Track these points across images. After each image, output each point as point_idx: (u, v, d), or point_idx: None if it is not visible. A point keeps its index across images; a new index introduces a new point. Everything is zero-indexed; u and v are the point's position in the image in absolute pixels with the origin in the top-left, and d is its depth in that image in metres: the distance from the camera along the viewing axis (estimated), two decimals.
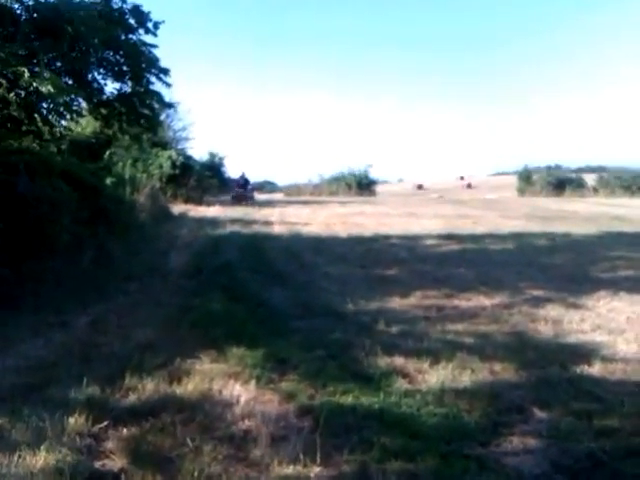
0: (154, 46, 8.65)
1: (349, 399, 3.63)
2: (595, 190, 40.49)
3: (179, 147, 23.26)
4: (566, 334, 5.14)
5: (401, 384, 3.91)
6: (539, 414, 3.40)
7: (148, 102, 8.78)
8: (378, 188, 43.54)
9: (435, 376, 4.04)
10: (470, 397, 3.65)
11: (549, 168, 52.06)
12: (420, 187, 70.65)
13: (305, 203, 25.25)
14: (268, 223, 15.23)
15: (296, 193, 38.79)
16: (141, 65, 8.44)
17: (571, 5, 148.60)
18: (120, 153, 19.15)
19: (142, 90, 8.64)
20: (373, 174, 40.21)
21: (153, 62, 8.56)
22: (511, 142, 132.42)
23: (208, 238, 11.84)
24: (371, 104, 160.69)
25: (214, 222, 14.88)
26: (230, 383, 3.85)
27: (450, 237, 12.31)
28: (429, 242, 11.71)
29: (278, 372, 4.16)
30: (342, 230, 13.75)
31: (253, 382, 3.85)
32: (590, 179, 43.06)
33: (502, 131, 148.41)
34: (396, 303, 6.39)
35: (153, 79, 8.65)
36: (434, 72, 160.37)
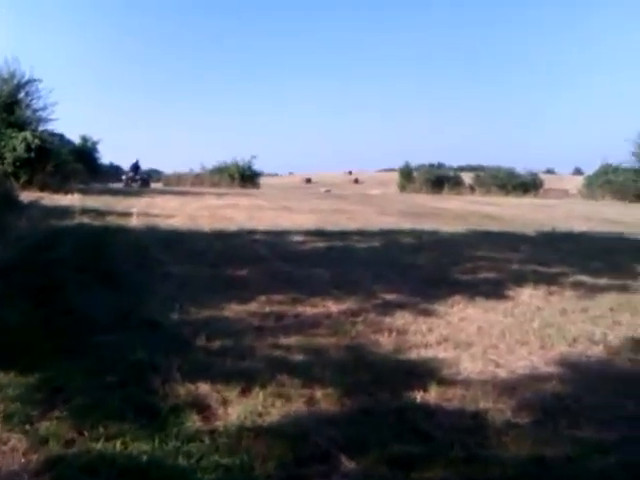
0: None
1: (116, 446, 2.81)
2: (472, 188, 42.02)
3: (42, 128, 21.12)
4: (408, 348, 4.59)
5: (193, 422, 3.14)
6: (347, 464, 2.74)
7: None
8: (265, 180, 42.81)
9: (240, 409, 3.31)
10: (271, 439, 2.94)
11: (431, 166, 53.56)
12: (309, 181, 70.85)
13: (180, 194, 23.98)
14: (127, 215, 13.99)
15: (176, 183, 37.28)
16: None
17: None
18: None
19: None
20: (261, 166, 39.44)
21: None
22: (402, 138, 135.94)
23: (47, 231, 10.52)
24: (266, 95, 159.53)
25: (65, 212, 13.45)
26: None
27: (318, 233, 11.73)
28: (295, 238, 11.06)
29: (44, 407, 3.26)
30: (207, 224, 12.83)
31: None
32: (468, 177, 44.66)
33: (394, 127, 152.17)
34: (232, 310, 5.62)
35: None
36: (330, 68, 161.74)
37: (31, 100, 20.84)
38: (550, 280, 7.53)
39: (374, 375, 3.93)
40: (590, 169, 47.52)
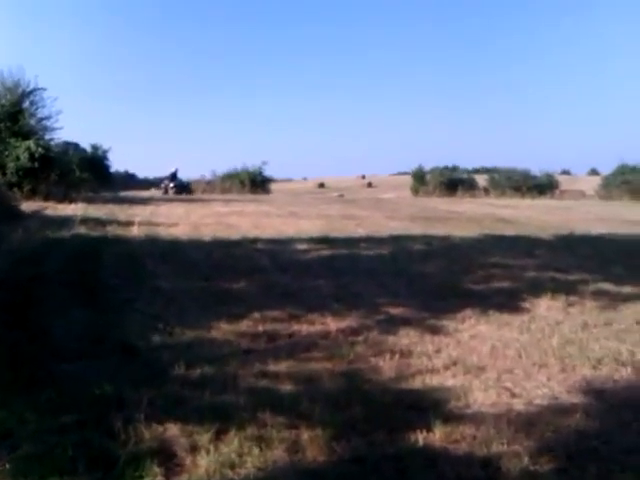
0: None
1: None
2: (486, 190, 41.22)
3: (48, 137, 20.81)
4: (411, 375, 4.08)
5: (154, 477, 2.67)
6: None
7: None
8: (278, 186, 42.41)
9: (210, 459, 2.83)
10: None
11: (445, 168, 52.84)
12: (322, 185, 70.50)
13: (188, 201, 23.60)
14: (129, 224, 13.55)
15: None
16: None
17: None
18: None
19: None
20: (274, 172, 39.05)
21: None
22: (416, 142, 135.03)
23: (41, 242, 10.11)
24: (279, 100, 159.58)
25: (64, 222, 13.03)
26: None
27: (324, 241, 11.22)
28: (299, 247, 10.57)
29: None
30: (209, 232, 12.36)
31: None
32: (482, 180, 43.87)
33: (408, 130, 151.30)
34: (220, 330, 5.14)
35: None
36: (342, 72, 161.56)
37: (36, 109, 20.54)
38: (569, 289, 6.98)
39: (370, 410, 3.43)
40: (606, 169, 46.62)
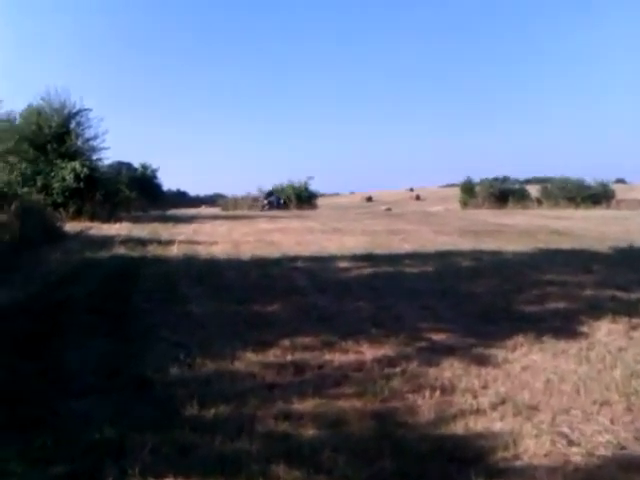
0: None
1: None
2: (539, 201, 39.91)
3: (94, 157, 21.07)
4: (453, 416, 3.58)
5: None
6: None
7: None
8: (325, 201, 42.22)
9: None
10: None
11: (495, 179, 51.61)
12: (369, 199, 70.06)
13: (233, 218, 23.50)
14: (170, 243, 13.42)
15: (233, 207, 36.96)
16: None
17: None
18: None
19: None
20: (322, 186, 39.16)
21: None
22: (465, 152, 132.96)
23: (77, 264, 9.99)
24: (327, 114, 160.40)
25: (106, 242, 12.98)
26: None
27: (367, 258, 10.78)
28: (341, 265, 10.14)
29: None
30: (249, 250, 12.07)
31: None
32: (534, 190, 42.54)
33: (457, 141, 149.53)
34: (245, 361, 4.74)
35: None
36: (388, 86, 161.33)
37: (82, 129, 20.83)
38: (631, 309, 6.33)
39: (403, 463, 2.96)
40: None
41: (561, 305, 6.78)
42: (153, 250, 12.07)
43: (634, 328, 5.58)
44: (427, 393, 3.95)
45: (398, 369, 4.51)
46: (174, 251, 12.16)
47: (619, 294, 7.16)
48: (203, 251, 11.98)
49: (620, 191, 43.58)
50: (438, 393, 3.95)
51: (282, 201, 37.14)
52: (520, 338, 5.29)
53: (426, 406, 3.75)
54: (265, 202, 36.60)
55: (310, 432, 3.39)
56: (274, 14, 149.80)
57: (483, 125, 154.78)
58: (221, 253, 11.69)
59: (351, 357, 4.88)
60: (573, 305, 6.72)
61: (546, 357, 4.78)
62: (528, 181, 57.03)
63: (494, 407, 3.69)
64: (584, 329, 5.64)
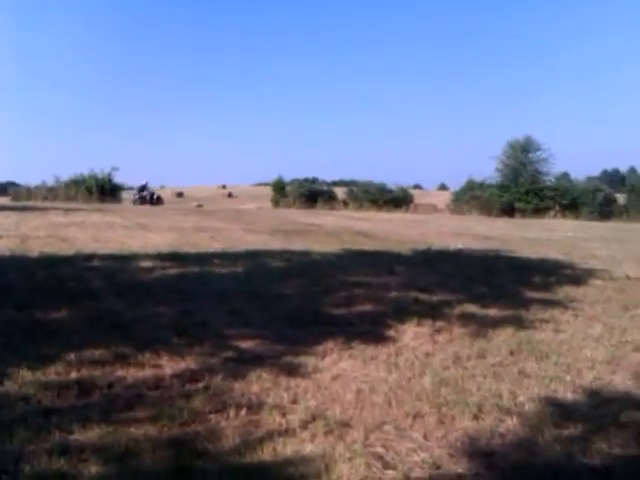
0: None
1: None
2: (345, 203, 41.77)
3: None
4: (260, 439, 3.19)
5: None
6: None
7: None
8: (129, 194, 39.95)
9: None
10: None
11: (306, 180, 52.99)
12: (180, 195, 68.20)
13: (24, 209, 21.20)
14: None
15: (26, 197, 33.55)
16: None
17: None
18: None
19: None
20: (128, 179, 37.20)
21: None
22: (278, 152, 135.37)
23: None
24: (138, 104, 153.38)
25: None
26: None
27: (173, 257, 10.12)
28: (144, 264, 9.36)
29: None
30: (39, 246, 10.77)
31: None
32: (341, 192, 44.43)
33: (270, 141, 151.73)
34: (19, 380, 3.93)
35: None
36: (206, 80, 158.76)
37: None
38: (434, 312, 6.50)
39: None
40: (454, 185, 49.20)
41: (368, 308, 6.78)
42: None
43: (438, 332, 5.67)
44: (232, 412, 3.53)
45: (201, 385, 4.04)
46: None
47: (422, 296, 7.36)
48: None
49: (417, 196, 47.12)
50: (244, 412, 3.55)
51: (156, 196, 36.74)
52: (330, 344, 5.10)
53: (230, 428, 3.33)
54: (137, 196, 35.95)
55: (92, 469, 2.80)
56: None
57: (295, 126, 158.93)
58: (3, 249, 10.27)
59: (147, 372, 4.30)
60: (379, 308, 6.74)
61: (356, 364, 4.62)
62: (335, 183, 59.58)
63: (304, 425, 3.38)
64: (391, 333, 5.63)
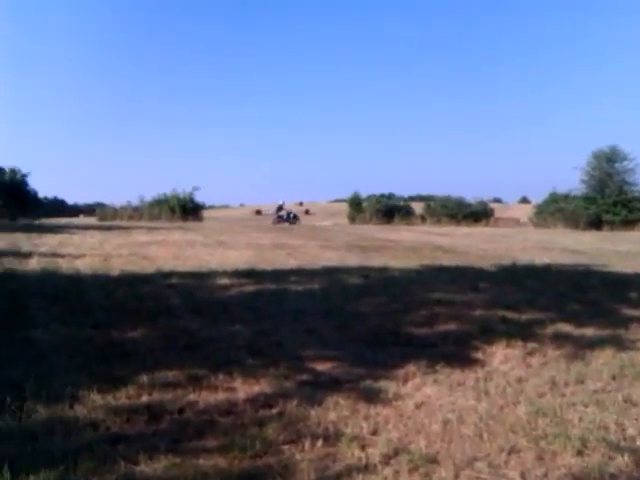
0: None
1: None
2: (423, 218, 41.13)
3: None
4: (337, 476, 2.92)
5: None
6: None
7: None
8: (213, 213, 41.04)
9: None
10: None
11: (382, 196, 52.67)
12: (259, 212, 69.45)
13: (108, 229, 21.93)
14: (29, 255, 11.98)
15: (112, 217, 34.86)
16: None
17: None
18: None
19: None
20: (209, 198, 38.14)
21: None
22: (353, 169, 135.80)
23: None
24: (210, 122, 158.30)
25: None
26: None
27: (250, 274, 10.03)
28: (221, 281, 9.31)
29: None
30: (120, 264, 10.95)
31: None
32: (419, 207, 43.81)
33: (346, 157, 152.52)
34: (88, 404, 3.83)
35: None
36: (281, 99, 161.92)
37: None
38: (524, 332, 6.05)
39: None
40: (535, 198, 47.51)
41: (451, 327, 6.39)
42: (6, 263, 10.64)
43: (530, 354, 5.23)
44: (307, 443, 3.27)
45: (275, 410, 3.81)
46: (32, 264, 10.79)
47: (509, 314, 6.90)
48: (66, 265, 10.71)
49: (498, 210, 45.79)
50: (320, 443, 3.28)
51: (293, 215, 38.20)
52: (412, 367, 4.76)
53: (305, 462, 3.07)
54: (275, 216, 38.19)
55: None
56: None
57: (371, 142, 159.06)
58: (87, 268, 10.48)
59: (220, 396, 4.11)
60: (464, 327, 6.34)
61: (442, 390, 4.26)
62: (412, 198, 58.94)
63: (386, 460, 3.07)
64: (479, 355, 5.23)
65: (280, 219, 37.25)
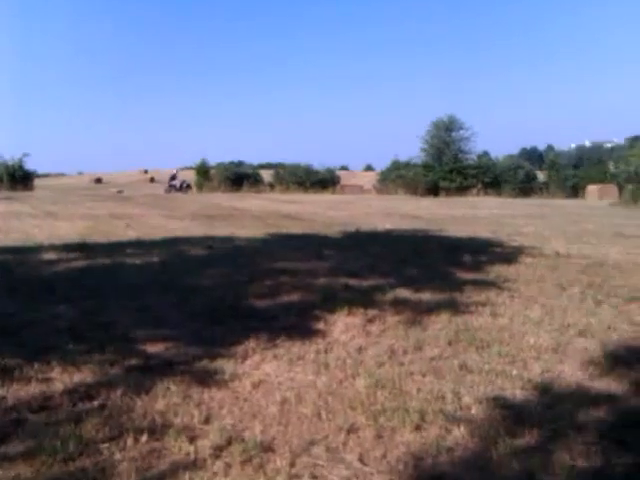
0: None
1: None
2: (271, 186, 41.13)
3: None
4: (161, 476, 2.61)
5: None
6: None
7: None
8: (48, 182, 37.92)
9: None
10: None
11: (231, 163, 51.79)
12: (99, 180, 65.50)
13: None
14: None
15: None
16: None
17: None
18: None
19: None
20: (44, 166, 35.07)
21: None
22: (202, 137, 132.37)
23: None
24: (50, 90, 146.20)
25: None
26: None
27: (81, 248, 9.24)
28: (47, 256, 8.48)
29: None
30: None
31: None
32: (268, 175, 43.71)
33: (194, 124, 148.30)
34: None
35: None
36: (127, 65, 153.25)
37: None
38: (366, 299, 6.03)
39: None
40: (380, 165, 49.36)
41: (295, 297, 6.24)
42: None
43: (371, 321, 5.20)
44: (130, 439, 2.91)
45: (96, 403, 3.39)
46: None
47: (352, 282, 6.90)
48: None
49: (344, 177, 46.96)
50: (145, 438, 2.93)
51: (186, 184, 36.94)
52: (251, 342, 4.53)
53: (126, 462, 2.71)
54: (167, 185, 36.90)
55: None
56: None
57: (219, 110, 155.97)
58: None
59: (34, 389, 3.59)
60: (307, 297, 6.22)
61: (281, 366, 4.07)
62: (262, 166, 58.63)
63: (217, 453, 2.80)
64: (320, 326, 5.11)
65: (172, 188, 36.18)
